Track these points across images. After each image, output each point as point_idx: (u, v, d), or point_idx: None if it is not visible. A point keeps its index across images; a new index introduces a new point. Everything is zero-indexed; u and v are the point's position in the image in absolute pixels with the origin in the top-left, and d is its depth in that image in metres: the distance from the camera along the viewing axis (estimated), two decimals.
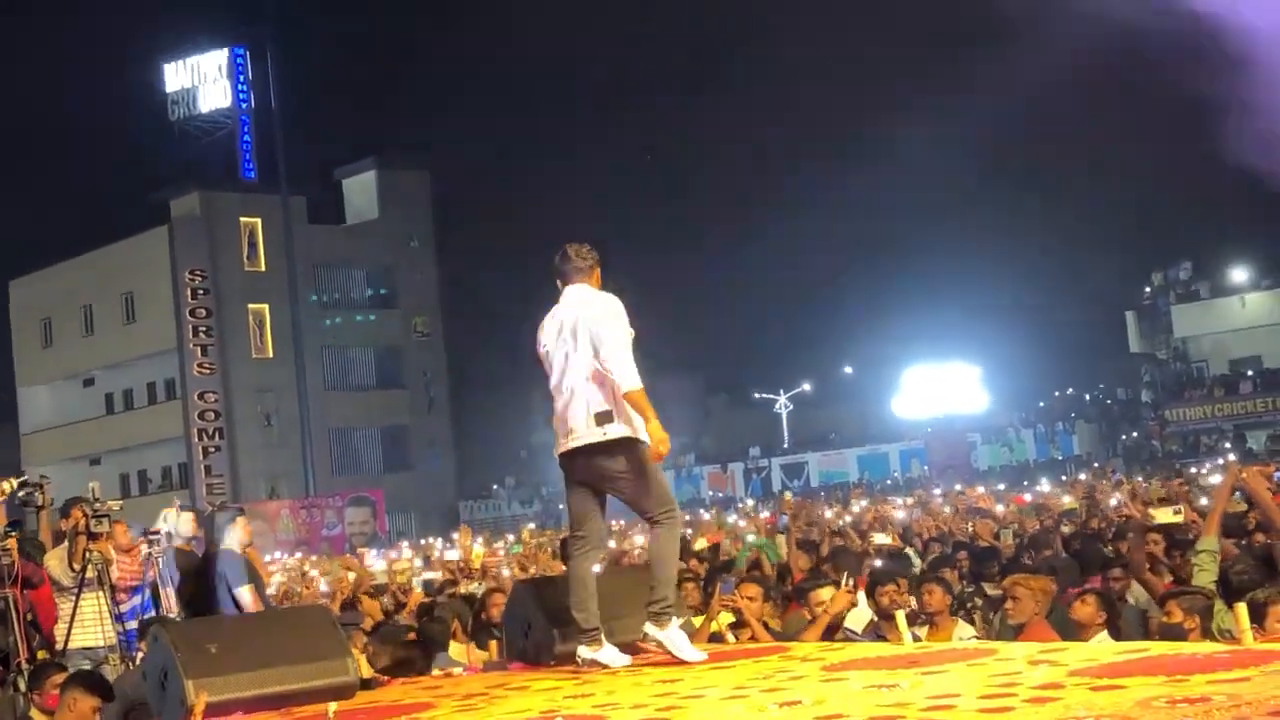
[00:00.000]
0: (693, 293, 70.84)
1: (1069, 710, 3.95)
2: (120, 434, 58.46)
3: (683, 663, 6.05)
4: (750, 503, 39.51)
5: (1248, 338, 55.06)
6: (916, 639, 6.64)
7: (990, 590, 9.91)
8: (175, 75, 59.44)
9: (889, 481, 53.86)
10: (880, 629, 7.78)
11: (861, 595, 8.46)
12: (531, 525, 35.26)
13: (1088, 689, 4.24)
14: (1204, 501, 13.22)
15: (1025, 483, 36.12)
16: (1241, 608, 5.07)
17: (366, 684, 6.26)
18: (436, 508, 57.74)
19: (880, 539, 13.26)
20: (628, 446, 6.18)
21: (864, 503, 28.36)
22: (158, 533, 9.61)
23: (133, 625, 9.10)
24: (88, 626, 9.13)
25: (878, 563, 11.05)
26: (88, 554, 8.97)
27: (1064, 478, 35.98)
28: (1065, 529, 14.50)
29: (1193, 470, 31.63)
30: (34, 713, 7.44)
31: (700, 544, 14.13)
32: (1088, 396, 62.27)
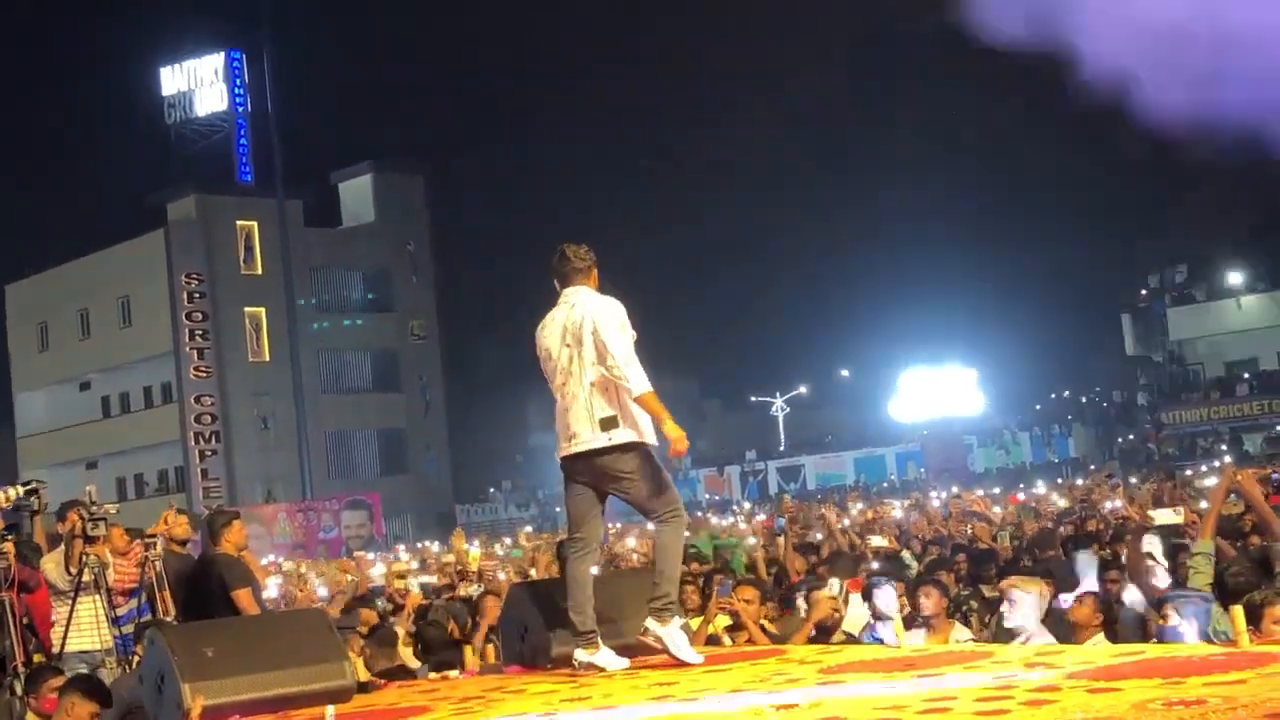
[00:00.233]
0: (689, 296, 70.92)
1: (1066, 712, 3.96)
2: (116, 437, 58.40)
3: (680, 662, 6.05)
4: (747, 505, 39.49)
5: (1244, 340, 55.06)
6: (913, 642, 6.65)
7: (987, 593, 9.91)
8: (172, 79, 59.40)
9: (885, 484, 53.87)
10: (875, 631, 7.79)
11: (858, 598, 8.47)
12: (528, 528, 35.24)
13: (1084, 691, 4.24)
14: (1203, 504, 13.22)
15: (1021, 485, 36.12)
16: (1238, 610, 5.08)
17: (363, 687, 6.26)
18: (433, 511, 57.68)
19: (876, 542, 13.25)
20: (633, 449, 6.18)
21: (860, 505, 28.36)
22: (154, 536, 9.59)
23: (129, 629, 9.08)
24: (84, 630, 9.11)
25: (874, 565, 11.06)
26: (84, 557, 8.95)
27: (1060, 480, 36.00)
28: (1063, 530, 14.50)
29: (1188, 473, 31.64)
30: (30, 717, 7.42)
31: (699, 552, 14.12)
32: (1084, 399, 62.32)
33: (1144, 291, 58.25)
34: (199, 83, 59.06)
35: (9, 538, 8.80)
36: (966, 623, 8.73)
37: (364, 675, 6.96)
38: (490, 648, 8.27)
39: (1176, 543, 9.32)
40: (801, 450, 64.17)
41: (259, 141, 58.46)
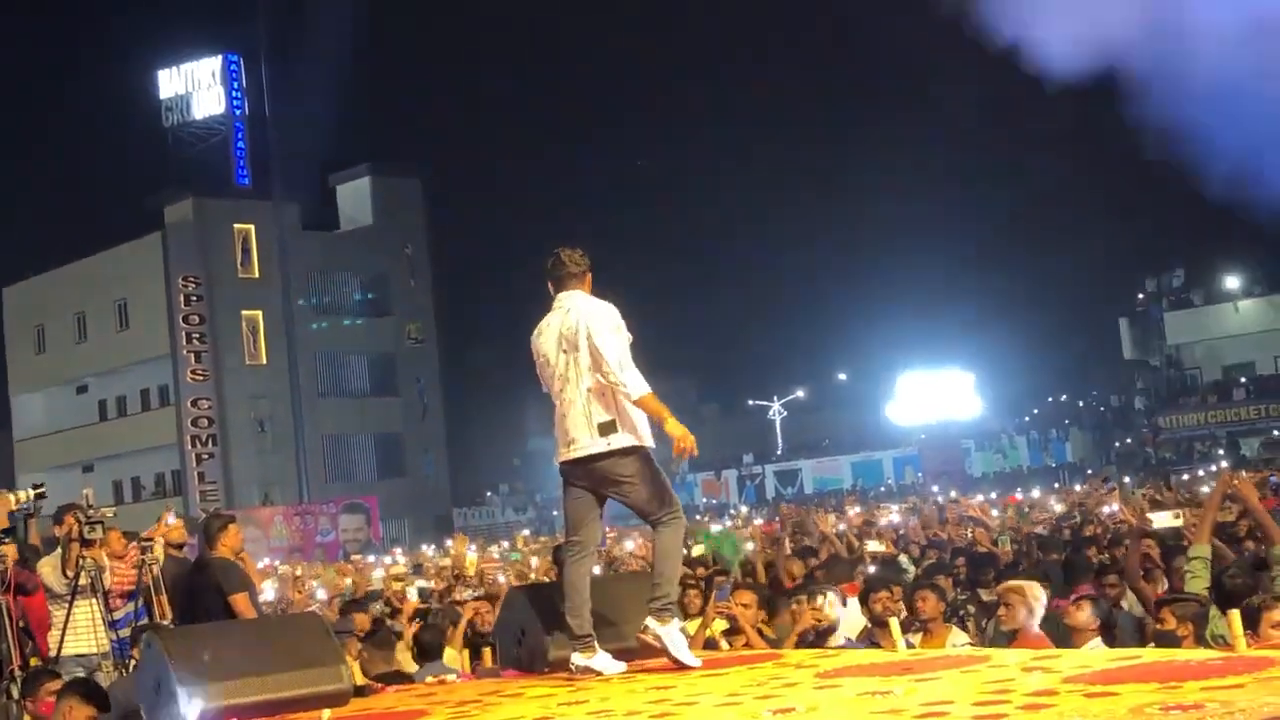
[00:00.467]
0: (687, 299, 70.96)
1: (1063, 717, 3.95)
2: (113, 440, 58.39)
3: (678, 665, 6.05)
4: (744, 509, 39.50)
5: (1241, 345, 55.12)
6: (910, 646, 6.65)
7: (985, 596, 9.91)
8: (169, 82, 59.43)
9: (883, 488, 53.89)
10: (874, 636, 7.79)
11: (855, 602, 8.47)
12: (526, 532, 35.23)
13: (1081, 695, 4.24)
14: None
15: (1019, 489, 36.16)
16: (1235, 614, 5.07)
17: (360, 691, 6.25)
18: (430, 515, 57.68)
19: (874, 546, 13.25)
20: (631, 453, 6.19)
21: (857, 509, 28.38)
22: (151, 539, 9.58)
23: (125, 633, 9.08)
24: (81, 634, 9.11)
25: (871, 569, 11.06)
26: (81, 561, 8.95)
27: (1056, 485, 36.04)
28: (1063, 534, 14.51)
29: (1185, 477, 31.66)
30: None
31: (697, 550, 14.13)
32: (1081, 403, 62.39)
33: (1141, 296, 58.32)
34: (196, 86, 59.09)
35: (6, 541, 8.80)
36: (964, 627, 8.74)
37: (360, 679, 6.95)
38: (487, 651, 8.27)
39: (1174, 545, 9.34)
40: (799, 454, 64.21)
41: (256, 144, 58.54)
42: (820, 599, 7.73)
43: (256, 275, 56.46)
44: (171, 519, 9.89)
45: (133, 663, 8.26)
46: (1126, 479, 36.35)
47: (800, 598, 7.91)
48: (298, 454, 54.92)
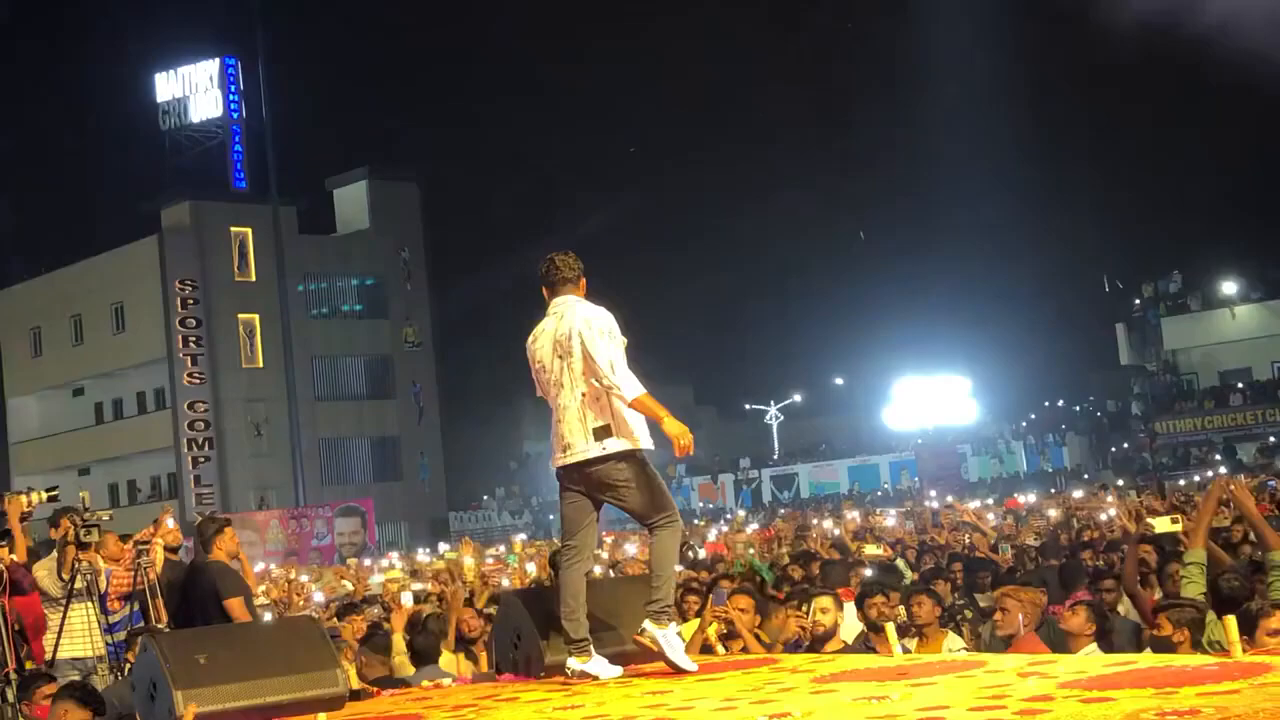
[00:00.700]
0: (683, 303, 70.97)
1: None
2: (109, 444, 58.34)
3: (674, 669, 6.05)
4: (741, 514, 39.50)
5: (1237, 350, 55.15)
6: (905, 651, 6.65)
7: (982, 602, 9.91)
8: (166, 85, 59.39)
9: (879, 493, 53.89)
10: (870, 640, 7.79)
11: (851, 606, 8.47)
12: (522, 536, 35.20)
13: (1077, 701, 4.24)
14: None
15: (1015, 495, 36.17)
16: (1231, 620, 5.07)
17: (356, 695, 6.25)
18: (426, 518, 57.65)
19: (871, 550, 13.26)
20: (626, 458, 6.19)
21: (853, 514, 28.38)
22: (147, 541, 9.57)
23: (121, 636, 9.06)
24: (76, 637, 9.09)
25: (868, 572, 11.06)
26: (77, 564, 8.94)
27: (1053, 490, 36.05)
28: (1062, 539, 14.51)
29: (1181, 482, 31.69)
30: None
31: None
32: (1078, 408, 62.38)
33: (1138, 301, 58.37)
34: (194, 89, 59.05)
35: (1, 544, 8.79)
36: (960, 632, 8.74)
37: (356, 683, 6.95)
38: (483, 655, 8.27)
39: (1170, 551, 9.33)
40: (796, 459, 64.20)
41: (253, 148, 58.50)
42: (815, 604, 7.74)
43: (253, 278, 56.43)
44: (170, 522, 9.88)
45: (128, 666, 8.25)
46: (1120, 482, 36.36)
47: (790, 604, 7.91)
48: (294, 457, 54.91)
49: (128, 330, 56.97)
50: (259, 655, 5.81)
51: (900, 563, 13.52)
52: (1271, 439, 49.48)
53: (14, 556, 8.98)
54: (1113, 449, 56.89)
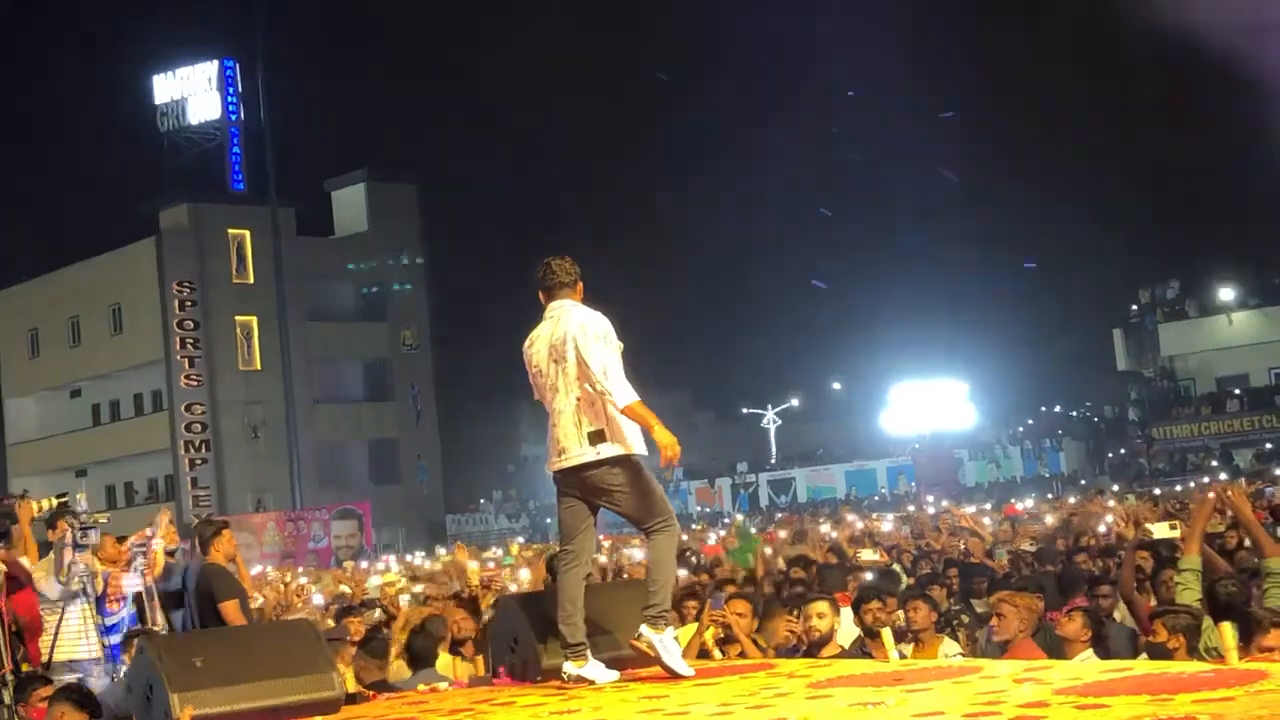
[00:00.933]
0: (681, 306, 70.98)
1: None
2: (107, 445, 58.33)
3: (671, 673, 6.06)
4: (739, 518, 39.50)
5: (1235, 356, 55.16)
6: (901, 656, 6.65)
7: (978, 607, 9.91)
8: (165, 86, 59.40)
9: (876, 498, 53.87)
10: (866, 646, 7.79)
11: (847, 611, 8.47)
12: (520, 539, 35.21)
13: (1073, 707, 4.25)
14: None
15: (1012, 500, 36.16)
16: (1226, 626, 5.08)
17: (352, 698, 6.25)
18: (423, 521, 57.66)
19: (868, 555, 13.25)
20: (621, 462, 6.20)
21: (850, 517, 28.38)
22: (143, 543, 9.56)
23: (117, 638, 9.06)
24: (73, 639, 9.09)
25: (868, 575, 11.05)
26: (73, 566, 8.94)
27: (1050, 496, 36.04)
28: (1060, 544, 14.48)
29: (1178, 488, 31.69)
30: None
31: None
32: (1075, 414, 62.35)
33: (1135, 306, 58.40)
34: (192, 91, 59.08)
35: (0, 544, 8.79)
36: (956, 637, 8.74)
37: (353, 686, 6.95)
38: (479, 659, 8.28)
39: (1167, 557, 9.33)
40: (793, 463, 64.15)
41: (252, 150, 58.53)
42: (811, 609, 7.74)
43: (251, 280, 56.45)
44: (165, 524, 9.88)
45: (124, 669, 8.25)
46: (1115, 488, 36.36)
47: (783, 609, 7.92)
48: (291, 459, 54.87)
49: (125, 332, 56.97)
50: (255, 658, 5.83)
51: (896, 567, 13.51)
52: (1268, 445, 49.49)
53: (25, 559, 9.03)
54: (1109, 455, 56.88)
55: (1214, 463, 47.97)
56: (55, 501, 9.48)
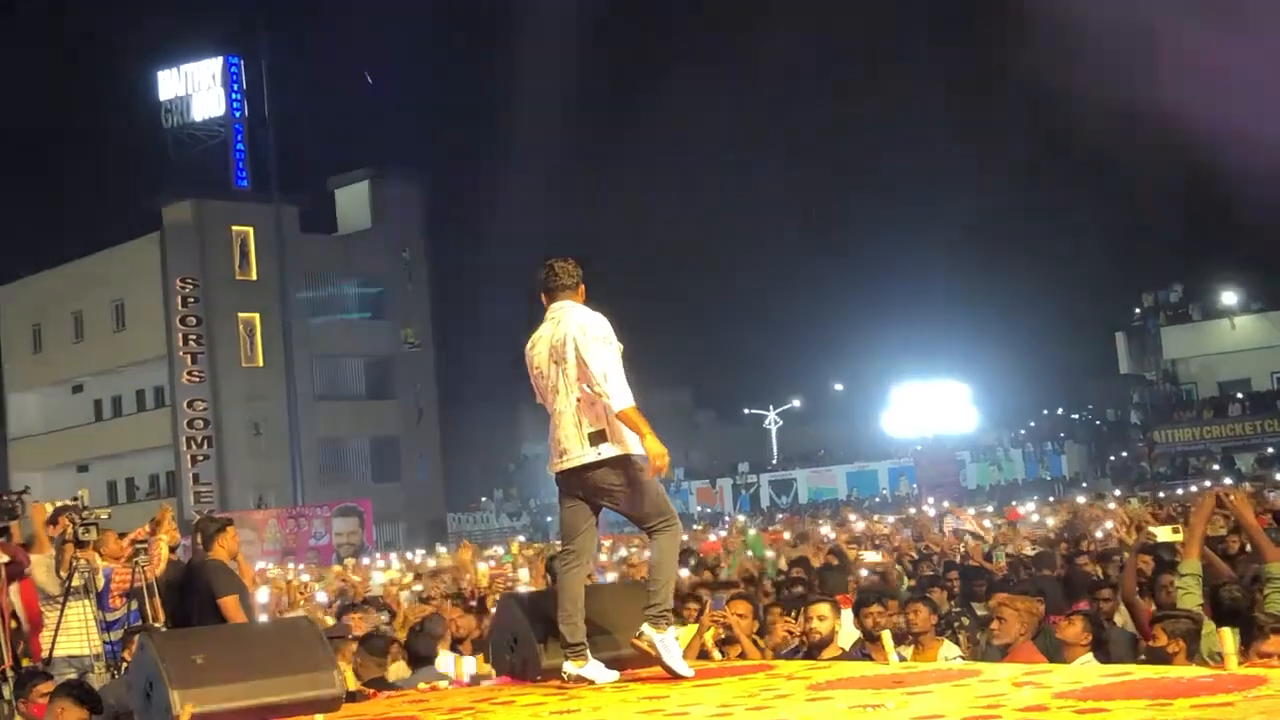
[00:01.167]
0: (683, 306, 70.98)
1: None
2: (108, 441, 58.35)
3: (671, 673, 6.06)
4: (741, 518, 39.53)
5: (1237, 360, 55.16)
6: (901, 659, 6.65)
7: (979, 610, 9.91)
8: (169, 83, 59.41)
9: (877, 499, 53.87)
10: (865, 648, 7.80)
11: (848, 613, 8.47)
12: (521, 538, 35.22)
13: (1072, 712, 4.25)
14: None
15: (1014, 502, 36.15)
16: (1227, 631, 5.08)
17: (352, 696, 6.26)
18: (424, 519, 57.65)
19: (870, 556, 13.26)
20: (622, 463, 6.22)
21: (851, 517, 28.37)
22: (144, 540, 9.58)
23: (118, 635, 9.07)
24: (73, 634, 9.11)
25: (867, 574, 11.06)
26: (74, 562, 8.95)
27: (1051, 499, 36.01)
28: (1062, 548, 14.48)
29: (1179, 492, 31.68)
30: None
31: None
32: (1077, 417, 62.34)
33: (1138, 310, 58.39)
34: (196, 87, 59.07)
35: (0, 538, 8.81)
36: (956, 640, 8.75)
37: (354, 684, 6.95)
38: (480, 658, 8.28)
39: (1169, 561, 9.33)
40: (794, 464, 64.15)
41: (256, 147, 58.55)
42: (812, 611, 7.74)
43: (254, 277, 56.44)
44: (169, 521, 9.90)
45: (124, 665, 8.26)
46: (1118, 492, 36.34)
47: (780, 610, 7.92)
48: (292, 456, 54.91)
49: (128, 328, 56.98)
50: (256, 656, 5.82)
51: (898, 568, 13.51)
52: (1270, 450, 49.48)
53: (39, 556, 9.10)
54: (1111, 458, 56.89)
55: (1215, 466, 47.96)
56: (57, 504, 9.52)
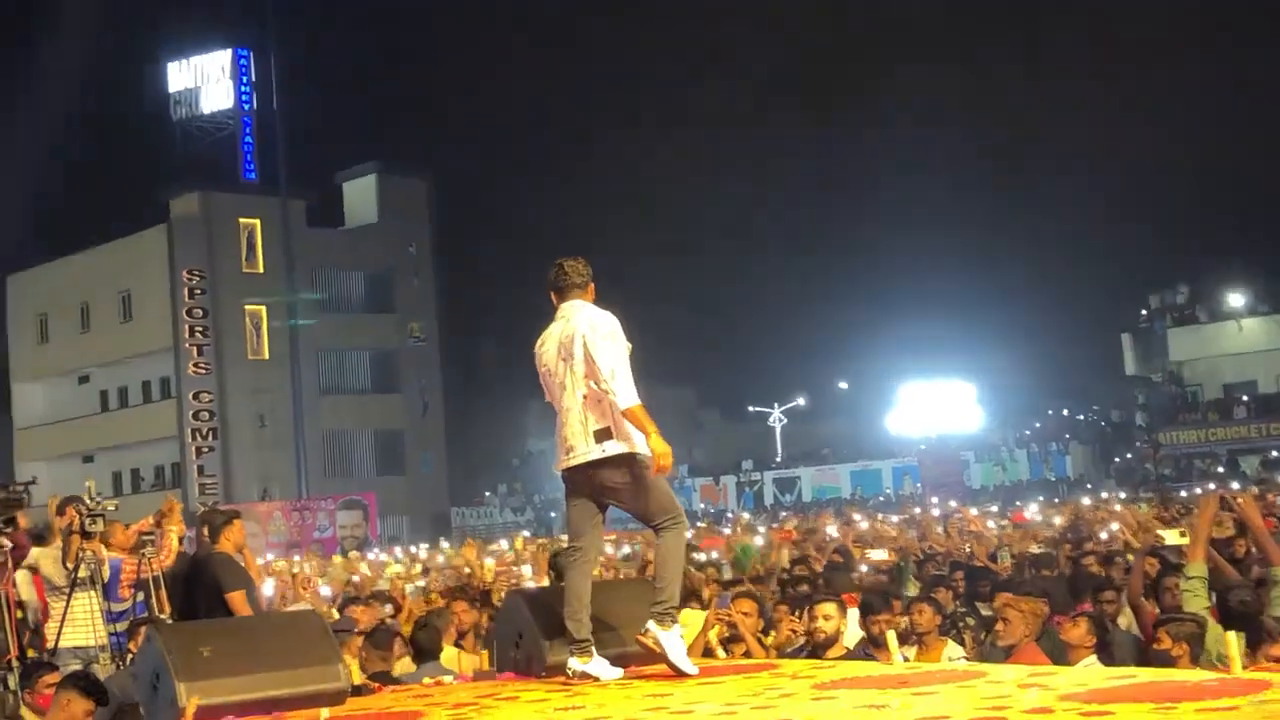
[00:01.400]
0: (689, 304, 70.99)
1: None
2: (114, 432, 58.37)
3: (675, 671, 6.07)
4: (746, 516, 39.52)
5: (1243, 362, 55.06)
6: (905, 659, 6.66)
7: (984, 610, 9.90)
8: (178, 75, 59.45)
9: (881, 498, 53.82)
10: (869, 648, 7.80)
11: (853, 613, 8.47)
12: (525, 533, 35.23)
13: (1078, 714, 4.25)
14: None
15: (1017, 503, 36.12)
16: (1233, 635, 5.08)
17: (358, 690, 6.27)
18: (428, 513, 57.67)
19: (877, 555, 13.26)
20: (627, 461, 6.23)
21: (856, 517, 28.33)
22: (150, 531, 9.60)
23: (123, 626, 9.08)
24: (79, 626, 9.12)
25: (870, 571, 11.04)
26: (81, 553, 8.96)
27: (1056, 500, 35.98)
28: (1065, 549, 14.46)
29: (1183, 494, 31.62)
30: (25, 712, 7.43)
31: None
32: (1082, 417, 62.30)
33: (1144, 311, 58.31)
34: (205, 79, 59.11)
35: (5, 531, 8.82)
36: (961, 640, 8.74)
37: (359, 678, 6.97)
38: (485, 654, 8.29)
39: (1175, 564, 9.32)
40: (798, 462, 64.11)
41: (264, 140, 58.54)
42: (818, 610, 7.74)
43: (261, 270, 56.46)
44: (178, 513, 9.91)
45: (130, 656, 8.28)
46: (1123, 494, 36.30)
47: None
48: (297, 449, 54.92)
49: (135, 319, 57.01)
50: (262, 649, 5.85)
51: (904, 565, 13.47)
52: (1274, 453, 49.40)
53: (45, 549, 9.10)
54: (1116, 459, 56.83)
55: (1220, 469, 47.90)
56: (60, 499, 9.53)
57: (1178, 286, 57.16)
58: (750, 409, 70.75)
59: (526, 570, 15.82)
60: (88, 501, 8.99)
